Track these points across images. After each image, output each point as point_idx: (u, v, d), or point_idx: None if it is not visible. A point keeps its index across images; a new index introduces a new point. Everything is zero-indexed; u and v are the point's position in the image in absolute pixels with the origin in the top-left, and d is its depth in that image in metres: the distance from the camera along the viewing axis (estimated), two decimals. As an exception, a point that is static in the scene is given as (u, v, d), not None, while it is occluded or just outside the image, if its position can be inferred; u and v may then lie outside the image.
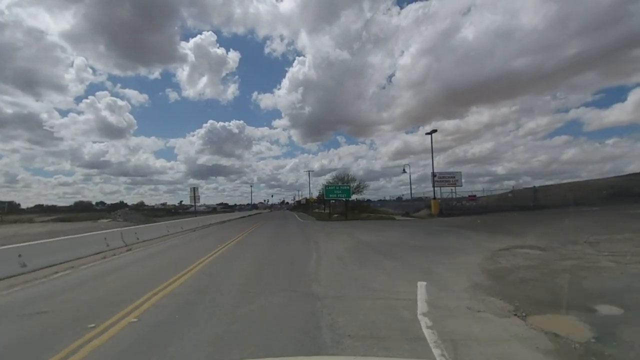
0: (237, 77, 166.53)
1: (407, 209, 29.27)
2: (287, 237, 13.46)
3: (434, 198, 24.69)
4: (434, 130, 24.25)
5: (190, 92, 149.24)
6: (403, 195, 46.67)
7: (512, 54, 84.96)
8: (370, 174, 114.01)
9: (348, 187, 25.33)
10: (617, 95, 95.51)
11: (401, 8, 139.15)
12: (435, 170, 25.37)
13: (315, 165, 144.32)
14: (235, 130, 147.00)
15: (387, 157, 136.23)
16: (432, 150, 24.67)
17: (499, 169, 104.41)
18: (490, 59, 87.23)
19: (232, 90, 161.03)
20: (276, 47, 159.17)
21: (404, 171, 27.56)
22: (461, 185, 26.53)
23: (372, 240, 11.02)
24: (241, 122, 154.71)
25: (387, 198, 45.94)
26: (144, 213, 52.89)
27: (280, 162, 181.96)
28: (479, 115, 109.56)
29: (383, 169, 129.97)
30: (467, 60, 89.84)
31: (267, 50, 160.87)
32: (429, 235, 12.21)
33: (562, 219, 15.43)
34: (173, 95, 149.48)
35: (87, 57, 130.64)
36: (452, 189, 26.05)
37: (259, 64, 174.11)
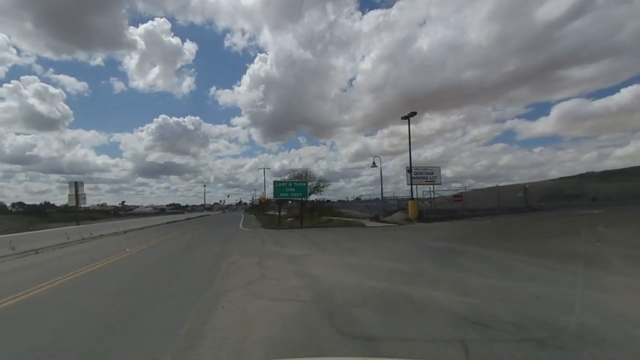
0: (193, 69, 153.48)
1: (375, 210, 24.27)
2: (175, 270, 7.21)
3: (412, 198, 19.85)
4: (413, 113, 19.42)
5: (139, 83, 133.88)
6: (362, 196, 42.20)
7: (461, 67, 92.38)
8: (330, 175, 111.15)
9: (305, 184, 19.52)
10: (543, 109, 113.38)
11: (363, 13, 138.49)
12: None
13: (276, 165, 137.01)
14: (191, 127, 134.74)
15: (347, 159, 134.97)
16: (410, 137, 19.86)
17: (447, 172, 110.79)
18: (442, 70, 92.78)
19: (187, 83, 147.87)
20: (237, 42, 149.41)
21: (374, 165, 22.53)
22: (440, 183, 22.14)
23: (345, 281, 5.31)
24: (197, 118, 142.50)
25: (348, 199, 40.91)
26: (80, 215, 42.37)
27: (239, 161, 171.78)
28: (431, 122, 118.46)
29: (343, 170, 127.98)
30: (422, 69, 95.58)
31: (227, 43, 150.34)
32: (439, 262, 6.79)
33: (590, 225, 11.17)
34: (119, 85, 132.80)
35: (10, 35, 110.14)
36: (430, 188, 21.50)
37: (218, 58, 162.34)
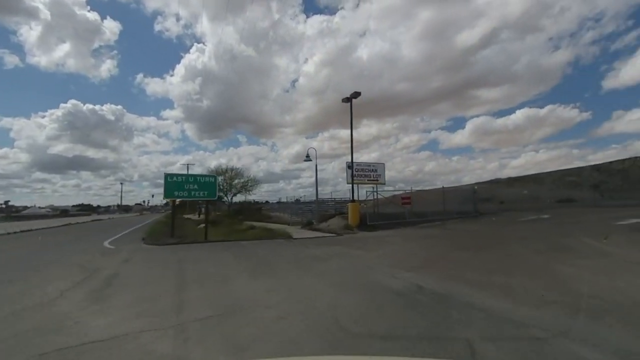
0: (115, 52, 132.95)
1: (310, 215, 20.08)
2: None
3: (353, 200, 16.04)
4: (356, 94, 15.66)
5: (41, 60, 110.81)
6: (302, 197, 38.04)
7: (395, 79, 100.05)
8: (270, 175, 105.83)
9: (212, 180, 14.22)
10: (460, 123, 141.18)
11: (307, 17, 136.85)
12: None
13: (212, 164, 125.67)
14: (111, 117, 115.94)
15: (287, 160, 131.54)
16: (352, 122, 16.06)
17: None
18: (379, 80, 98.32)
19: (108, 67, 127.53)
20: (170, 27, 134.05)
21: (307, 157, 18.22)
22: (384, 183, 18.85)
23: None
24: (119, 107, 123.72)
25: (288, 200, 36.20)
26: None
27: (170, 158, 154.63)
28: (368, 128, 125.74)
29: (284, 172, 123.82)
30: (361, 77, 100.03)
31: (157, 27, 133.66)
32: (425, 337, 2.64)
33: (575, 236, 8.55)
34: (11, 60, 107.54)
35: None
36: (373, 187, 18.00)
37: (147, 42, 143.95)
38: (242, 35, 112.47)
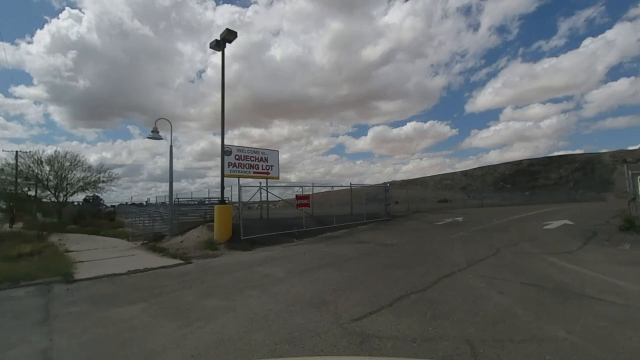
0: None
1: (164, 224, 13.53)
2: None
3: (224, 201, 10.46)
4: (231, 34, 10.14)
5: None
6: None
7: (307, 83, 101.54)
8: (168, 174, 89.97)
9: None
10: (363, 130, 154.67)
11: (217, 4, 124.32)
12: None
13: (92, 159, 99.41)
14: None
15: (191, 157, 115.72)
16: (223, 77, 10.53)
17: (292, 177, 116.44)
18: (292, 81, 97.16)
19: None
20: None
21: (154, 131, 11.68)
22: (277, 177, 13.82)
23: None
24: None
25: (155, 201, 27.25)
26: None
27: (26, 147, 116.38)
28: (280, 129, 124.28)
29: (187, 170, 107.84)
30: (274, 77, 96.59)
31: None
32: None
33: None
34: None
35: None
36: (260, 183, 12.72)
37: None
38: (134, 10, 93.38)
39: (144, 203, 31.81)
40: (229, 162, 11.64)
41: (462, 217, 14.59)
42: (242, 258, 7.60)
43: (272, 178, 13.39)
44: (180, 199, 15.42)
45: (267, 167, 13.29)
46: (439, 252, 7.13)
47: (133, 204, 34.84)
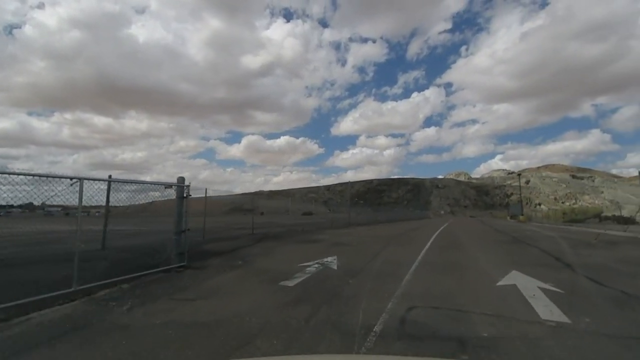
0: None
1: None
2: None
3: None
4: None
5: None
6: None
7: (177, 76, 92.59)
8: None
9: None
10: (237, 137, 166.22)
11: None
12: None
13: None
14: None
15: None
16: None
17: (148, 179, 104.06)
18: (157, 71, 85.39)
19: None
20: None
21: None
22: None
23: None
24: None
25: None
26: None
27: None
28: (137, 122, 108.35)
29: None
30: (133, 59, 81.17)
31: None
32: None
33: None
34: None
35: None
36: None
37: None
38: None
39: None
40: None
41: (335, 257, 6.79)
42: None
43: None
44: None
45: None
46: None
47: None
